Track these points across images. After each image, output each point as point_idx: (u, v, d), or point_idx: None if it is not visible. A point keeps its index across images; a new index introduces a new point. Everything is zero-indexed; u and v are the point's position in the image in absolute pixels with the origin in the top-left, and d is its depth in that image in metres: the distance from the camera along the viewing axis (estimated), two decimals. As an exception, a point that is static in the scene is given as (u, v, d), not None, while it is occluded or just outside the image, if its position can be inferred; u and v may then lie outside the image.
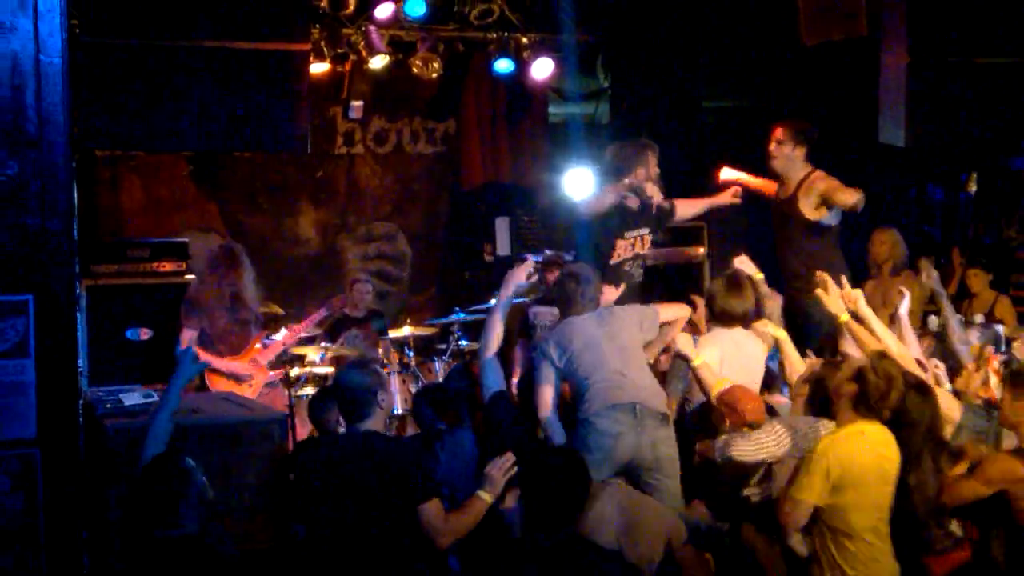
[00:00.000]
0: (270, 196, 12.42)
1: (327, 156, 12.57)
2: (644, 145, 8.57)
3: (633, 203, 8.27)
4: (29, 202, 5.54)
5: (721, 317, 7.59)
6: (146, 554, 5.36)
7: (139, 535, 5.47)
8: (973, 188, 11.64)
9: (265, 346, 9.70)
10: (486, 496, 5.95)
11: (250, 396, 9.17)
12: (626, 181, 8.29)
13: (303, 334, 10.11)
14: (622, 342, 7.09)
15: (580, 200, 8.79)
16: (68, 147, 5.68)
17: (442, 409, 7.33)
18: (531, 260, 7.76)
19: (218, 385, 9.37)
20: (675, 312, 7.51)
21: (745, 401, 6.95)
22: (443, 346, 10.93)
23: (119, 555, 6.15)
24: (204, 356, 9.19)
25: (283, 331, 10.01)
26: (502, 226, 12.18)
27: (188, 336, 9.33)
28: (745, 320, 7.59)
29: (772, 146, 9.19)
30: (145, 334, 9.08)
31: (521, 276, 7.50)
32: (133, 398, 7.42)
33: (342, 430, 6.85)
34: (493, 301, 9.09)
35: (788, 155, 9.14)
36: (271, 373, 9.66)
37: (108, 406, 7.22)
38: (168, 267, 9.40)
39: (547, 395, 7.09)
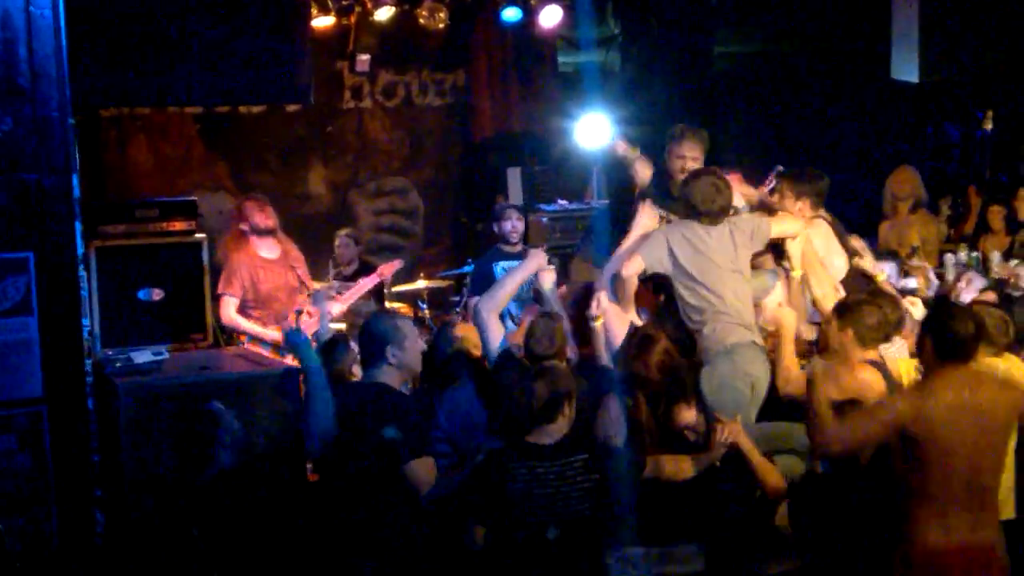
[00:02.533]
0: (279, 154, 12.34)
1: (335, 111, 12.49)
2: (680, 131, 8.11)
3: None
4: (24, 158, 5.50)
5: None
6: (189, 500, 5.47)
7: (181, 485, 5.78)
8: (989, 126, 11.52)
9: (310, 315, 9.42)
10: None
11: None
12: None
13: (351, 300, 9.62)
14: (736, 265, 7.09)
15: (627, 151, 8.47)
16: (64, 101, 5.62)
17: (430, 372, 7.22)
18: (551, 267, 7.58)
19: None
20: (787, 229, 7.39)
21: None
22: (456, 298, 10.86)
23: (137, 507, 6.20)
24: (245, 326, 9.10)
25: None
26: (514, 176, 12.11)
27: (229, 303, 9.11)
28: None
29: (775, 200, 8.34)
30: (157, 294, 8.97)
31: (547, 283, 7.41)
32: (143, 356, 7.36)
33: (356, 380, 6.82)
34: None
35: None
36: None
37: (118, 364, 7.18)
38: (178, 226, 9.27)
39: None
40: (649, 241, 7.23)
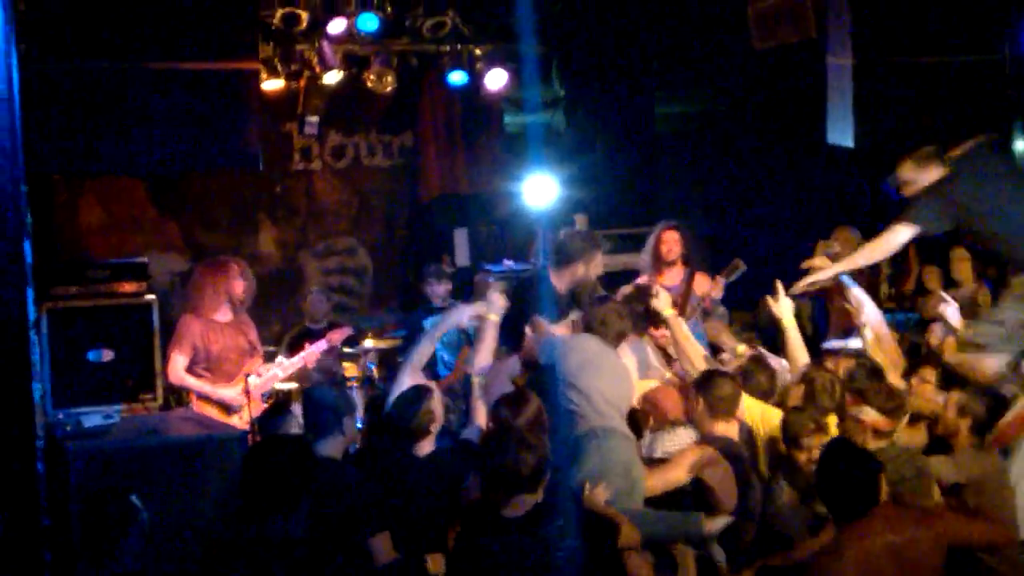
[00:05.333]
0: (229, 214, 12.45)
1: (285, 172, 12.63)
2: (591, 242, 8.62)
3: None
4: (-23, 228, 5.56)
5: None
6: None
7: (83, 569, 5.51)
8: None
9: (259, 375, 9.36)
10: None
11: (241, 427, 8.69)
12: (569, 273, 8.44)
13: (300, 365, 9.66)
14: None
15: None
16: (17, 173, 5.70)
17: None
18: (470, 310, 7.85)
19: (207, 414, 8.93)
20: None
21: (666, 400, 7.13)
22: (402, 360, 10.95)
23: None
24: (194, 384, 9.14)
25: (279, 361, 9.66)
26: (461, 236, 12.25)
27: (177, 362, 9.10)
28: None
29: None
30: (107, 355, 9.01)
31: (464, 321, 7.65)
32: (93, 420, 7.41)
33: None
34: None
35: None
36: (264, 406, 8.98)
37: (68, 428, 7.24)
38: (128, 288, 9.28)
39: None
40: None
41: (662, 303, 7.87)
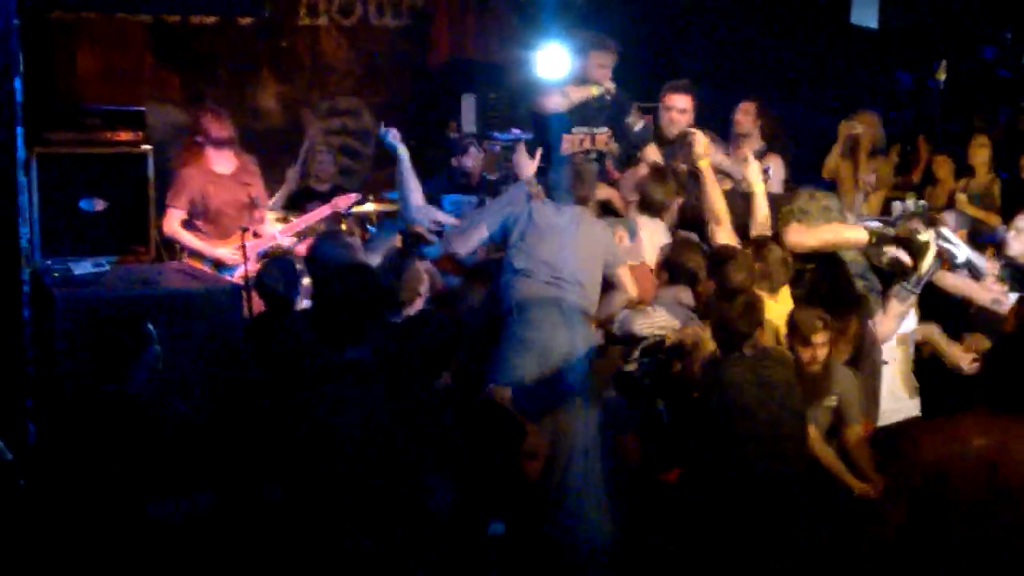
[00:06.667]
0: (231, 68, 12.17)
1: (290, 27, 12.33)
2: (590, 40, 8.53)
3: (576, 95, 8.15)
4: (-34, 59, 5.39)
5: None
6: (89, 406, 5.31)
7: (87, 387, 5.49)
8: (943, 76, 11.50)
9: (257, 235, 9.23)
10: None
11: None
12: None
13: (302, 227, 9.56)
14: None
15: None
16: (8, 2, 5.49)
17: None
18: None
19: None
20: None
21: (641, 280, 7.11)
22: (405, 221, 10.80)
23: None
24: (186, 239, 8.99)
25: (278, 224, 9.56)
26: (468, 103, 11.99)
27: (174, 216, 8.98)
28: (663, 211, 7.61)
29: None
30: (100, 205, 8.86)
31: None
32: (83, 267, 7.29)
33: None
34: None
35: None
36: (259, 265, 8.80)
37: (56, 275, 7.10)
38: (124, 136, 9.13)
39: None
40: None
41: (699, 148, 7.55)
